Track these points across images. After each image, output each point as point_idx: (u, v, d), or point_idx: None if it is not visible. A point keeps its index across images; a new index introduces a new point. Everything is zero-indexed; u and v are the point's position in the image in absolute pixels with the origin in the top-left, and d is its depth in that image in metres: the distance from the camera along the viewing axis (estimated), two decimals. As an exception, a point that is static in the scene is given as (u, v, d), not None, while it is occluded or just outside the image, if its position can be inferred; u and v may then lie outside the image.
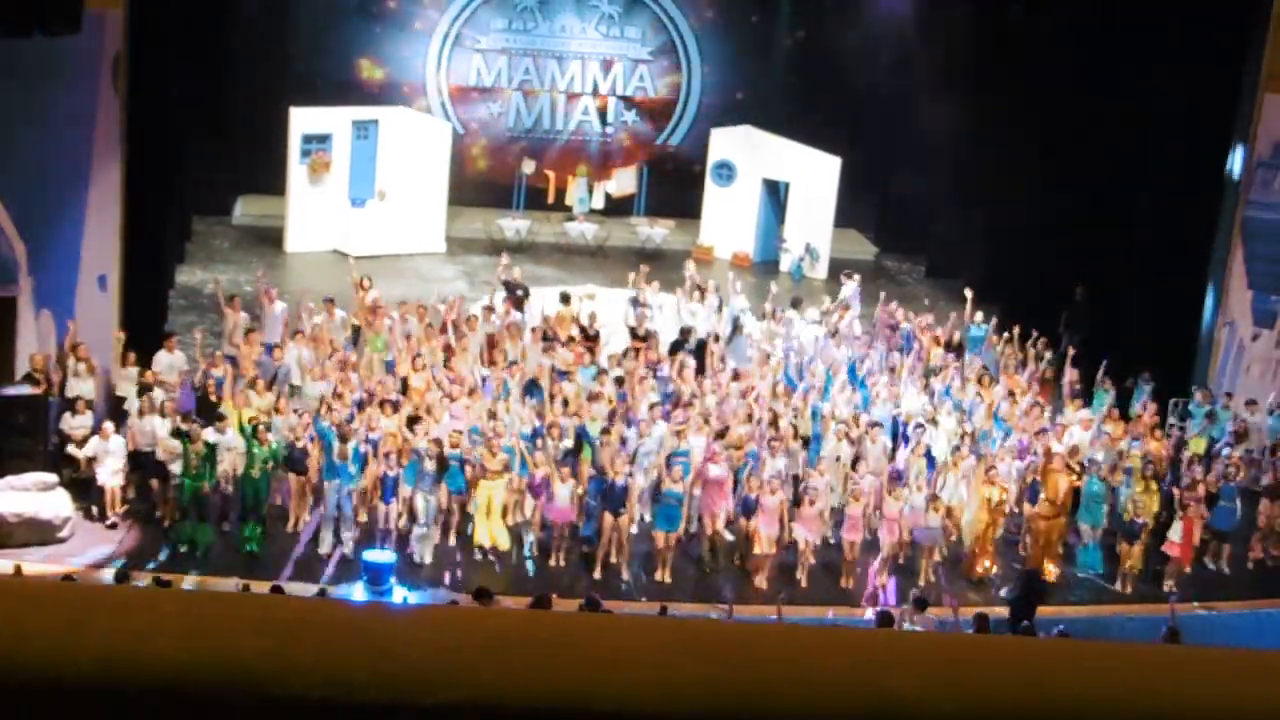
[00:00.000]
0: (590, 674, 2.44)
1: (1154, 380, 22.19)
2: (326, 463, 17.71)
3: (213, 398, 19.29)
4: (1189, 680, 2.53)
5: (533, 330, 22.04)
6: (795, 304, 24.40)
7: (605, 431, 18.73)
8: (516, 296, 23.46)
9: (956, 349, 23.09)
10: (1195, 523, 18.71)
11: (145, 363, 19.76)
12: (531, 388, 20.16)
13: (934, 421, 20.06)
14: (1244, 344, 23.36)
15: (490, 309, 22.80)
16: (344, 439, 17.63)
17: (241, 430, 17.91)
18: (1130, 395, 22.22)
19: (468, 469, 18.07)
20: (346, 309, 22.15)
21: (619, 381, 20.45)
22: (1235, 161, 23.09)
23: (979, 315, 24.17)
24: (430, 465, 17.61)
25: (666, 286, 24.85)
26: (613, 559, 18.06)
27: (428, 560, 17.72)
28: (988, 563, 18.60)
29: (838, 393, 20.63)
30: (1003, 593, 17.55)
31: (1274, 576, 19.46)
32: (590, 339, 22.23)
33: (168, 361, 20.03)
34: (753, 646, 2.59)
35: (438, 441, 17.85)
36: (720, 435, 19.06)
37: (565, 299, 23.59)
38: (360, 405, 18.99)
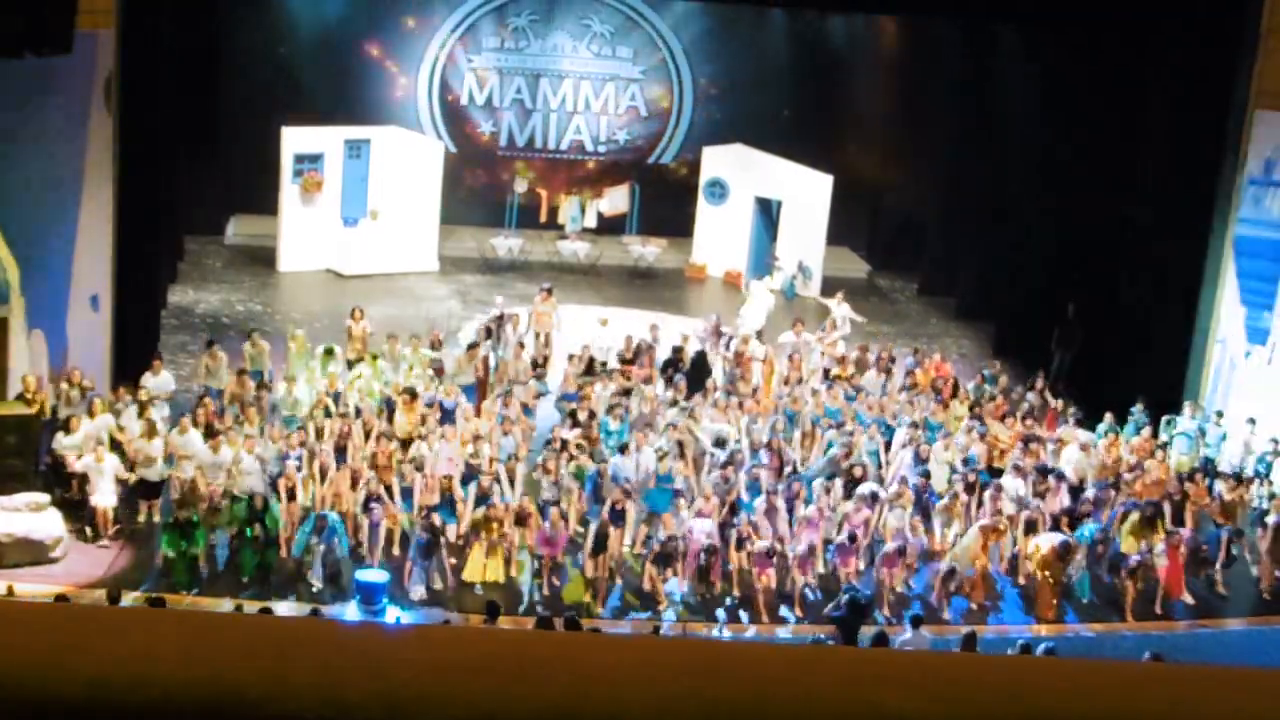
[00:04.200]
0: (584, 693, 2.44)
1: (1150, 409, 22.20)
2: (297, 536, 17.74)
3: (214, 423, 19.25)
4: (1181, 698, 2.54)
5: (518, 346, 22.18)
6: (795, 325, 24.43)
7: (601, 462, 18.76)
8: (499, 327, 23.47)
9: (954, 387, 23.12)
10: (1178, 549, 18.56)
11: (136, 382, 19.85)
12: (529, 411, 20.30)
13: (927, 459, 20.00)
14: (1235, 361, 23.40)
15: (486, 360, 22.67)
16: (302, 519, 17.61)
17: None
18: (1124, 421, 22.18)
19: (460, 507, 18.07)
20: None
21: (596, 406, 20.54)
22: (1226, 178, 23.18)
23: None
24: (423, 535, 17.51)
25: (660, 306, 24.90)
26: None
27: (438, 585, 17.66)
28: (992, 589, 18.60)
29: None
30: (826, 610, 17.33)
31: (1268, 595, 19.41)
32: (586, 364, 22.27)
33: (154, 383, 20.03)
34: (746, 665, 2.59)
35: (425, 515, 17.77)
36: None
37: (549, 292, 23.84)
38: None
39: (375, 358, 21.08)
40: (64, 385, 19.35)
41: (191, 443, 18.29)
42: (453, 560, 17.77)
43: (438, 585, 17.52)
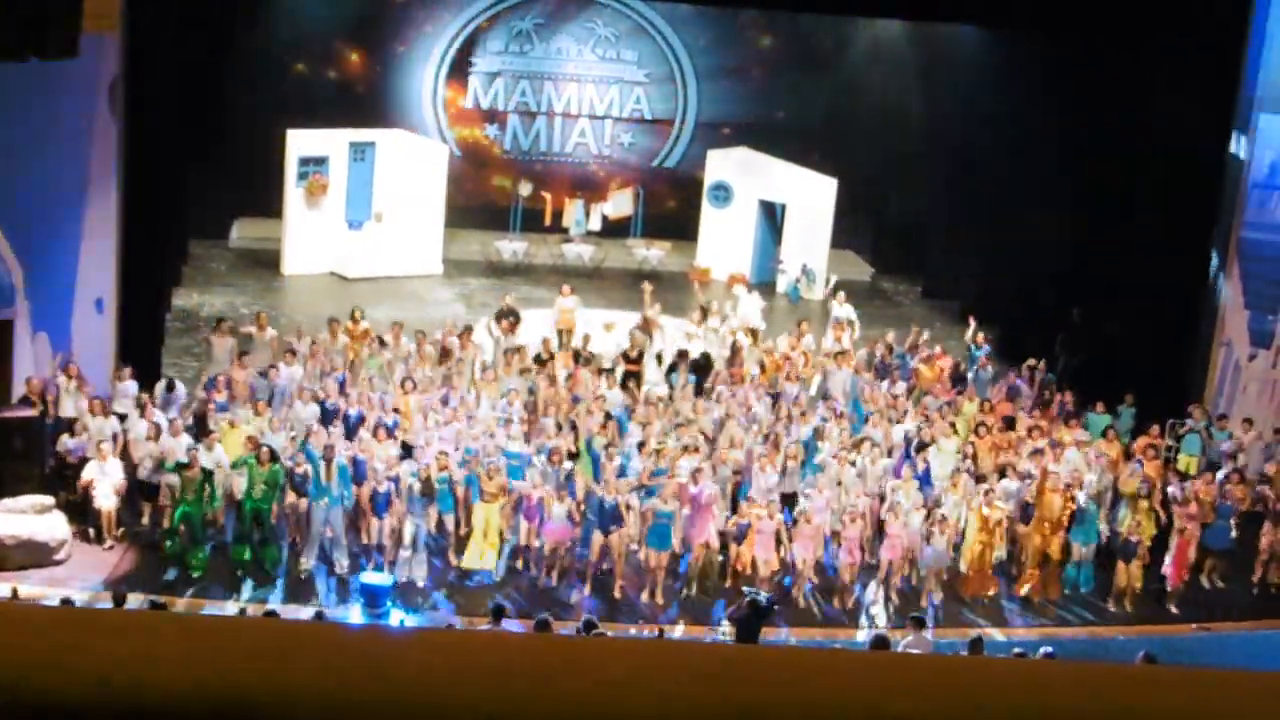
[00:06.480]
0: (589, 697, 2.44)
1: (1137, 405, 22.15)
2: (314, 484, 17.70)
3: (210, 423, 19.25)
4: (1188, 701, 2.53)
5: (515, 353, 22.11)
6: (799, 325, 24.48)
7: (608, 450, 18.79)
8: (510, 322, 23.46)
9: (957, 377, 23.06)
10: (1190, 544, 18.69)
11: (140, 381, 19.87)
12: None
13: (933, 441, 20.02)
14: (1240, 364, 23.38)
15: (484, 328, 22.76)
16: (328, 461, 17.62)
17: (252, 458, 17.85)
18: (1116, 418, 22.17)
19: (458, 490, 18.10)
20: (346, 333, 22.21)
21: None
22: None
23: (980, 336, 24.21)
24: (417, 488, 17.62)
25: (664, 309, 24.89)
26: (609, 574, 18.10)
27: (420, 581, 17.72)
28: (990, 589, 18.64)
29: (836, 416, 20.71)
30: (727, 612, 17.26)
31: (1273, 598, 19.40)
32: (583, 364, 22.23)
33: (167, 396, 20.05)
34: (751, 669, 2.59)
35: (426, 468, 17.85)
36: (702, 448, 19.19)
37: (571, 288, 23.95)
38: (350, 426, 19.06)
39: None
40: (61, 380, 19.32)
41: (184, 445, 18.23)
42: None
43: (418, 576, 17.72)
